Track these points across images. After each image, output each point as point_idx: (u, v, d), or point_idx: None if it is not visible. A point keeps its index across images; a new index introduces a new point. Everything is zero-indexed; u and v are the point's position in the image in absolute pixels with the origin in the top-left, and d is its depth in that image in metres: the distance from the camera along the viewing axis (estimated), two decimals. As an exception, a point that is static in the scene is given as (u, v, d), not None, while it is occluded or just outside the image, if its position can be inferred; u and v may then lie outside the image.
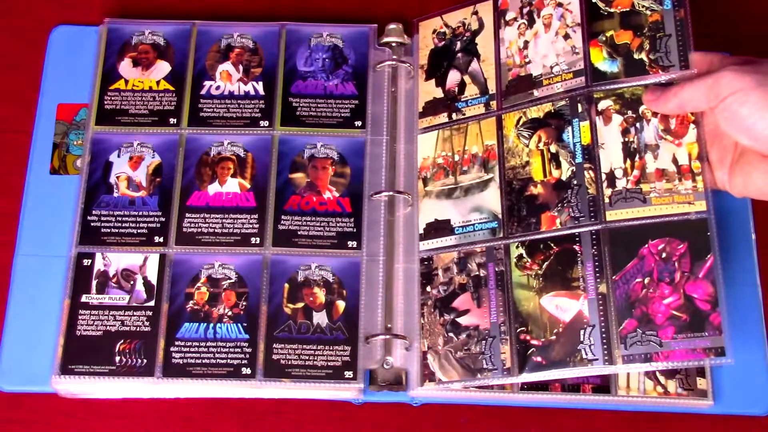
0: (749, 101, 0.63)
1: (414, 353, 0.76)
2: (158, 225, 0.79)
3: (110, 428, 0.77)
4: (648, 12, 0.74)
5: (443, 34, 0.84)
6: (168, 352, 0.75)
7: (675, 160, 0.71)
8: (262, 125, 0.82)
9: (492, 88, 0.80)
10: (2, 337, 0.78)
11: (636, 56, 0.73)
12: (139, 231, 0.79)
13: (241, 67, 0.85)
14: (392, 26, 0.86)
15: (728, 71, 0.65)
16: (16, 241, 0.80)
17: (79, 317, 0.76)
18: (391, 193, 0.80)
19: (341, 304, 0.77)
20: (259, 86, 0.84)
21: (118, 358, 0.75)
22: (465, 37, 0.83)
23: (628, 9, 0.75)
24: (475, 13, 0.83)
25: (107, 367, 0.75)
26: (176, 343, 0.76)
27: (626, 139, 0.73)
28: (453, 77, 0.83)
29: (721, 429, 0.77)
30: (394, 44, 0.86)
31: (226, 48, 0.85)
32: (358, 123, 0.83)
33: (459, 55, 0.83)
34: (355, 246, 0.79)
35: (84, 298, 0.77)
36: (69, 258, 0.78)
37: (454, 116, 0.81)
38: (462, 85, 0.82)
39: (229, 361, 0.75)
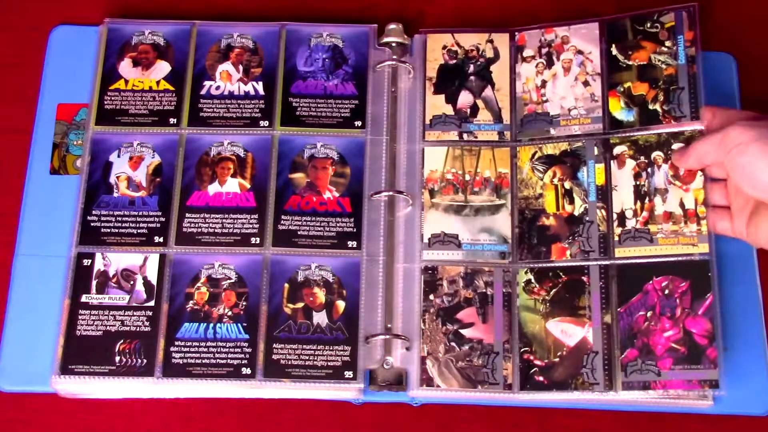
0: (748, 152, 0.68)
1: (414, 353, 0.76)
2: (158, 225, 0.79)
3: (110, 428, 0.77)
4: (663, 66, 0.79)
5: (454, 53, 0.84)
6: (168, 352, 0.75)
7: (682, 205, 0.76)
8: (262, 125, 0.82)
9: (506, 119, 0.81)
10: (2, 337, 0.78)
11: (651, 107, 0.78)
12: (139, 231, 0.79)
13: (241, 67, 0.84)
14: (392, 26, 0.86)
15: (736, 126, 0.70)
16: (16, 241, 0.80)
17: (79, 317, 0.76)
18: (391, 193, 0.80)
19: (341, 304, 0.77)
20: (259, 86, 0.84)
21: (118, 358, 0.75)
22: (479, 62, 0.83)
23: (645, 62, 0.80)
24: (491, 41, 0.84)
25: (107, 367, 0.75)
26: (176, 343, 0.76)
27: (638, 183, 0.77)
28: (465, 98, 0.82)
29: (721, 429, 0.77)
30: (394, 44, 0.86)
31: (226, 48, 0.85)
32: (358, 123, 0.83)
33: (472, 78, 0.83)
34: (355, 246, 0.79)
35: (84, 298, 0.77)
36: (69, 258, 0.78)
37: (465, 137, 0.81)
38: (475, 108, 0.82)
39: (229, 361, 0.75)
